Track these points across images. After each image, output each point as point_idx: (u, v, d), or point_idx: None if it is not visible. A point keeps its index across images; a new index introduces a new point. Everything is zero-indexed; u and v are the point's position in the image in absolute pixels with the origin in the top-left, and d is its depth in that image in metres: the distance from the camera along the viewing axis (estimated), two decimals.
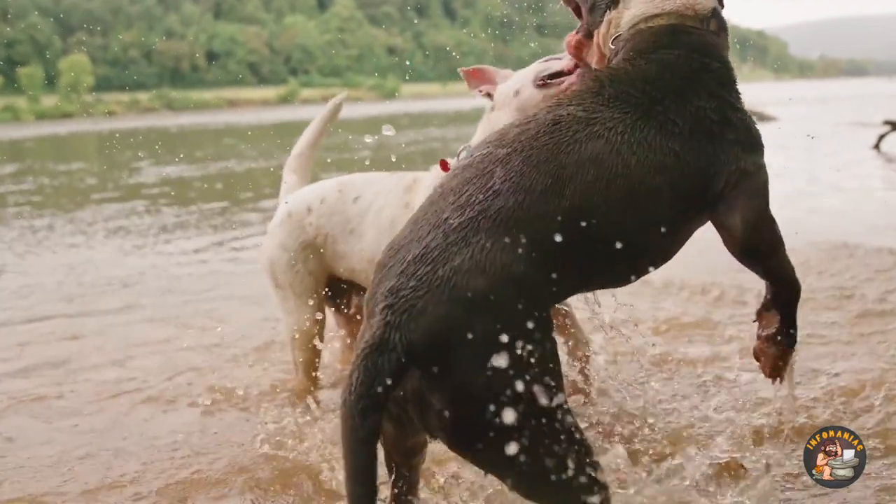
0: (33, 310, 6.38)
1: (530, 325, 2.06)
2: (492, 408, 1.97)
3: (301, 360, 3.97)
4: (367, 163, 17.08)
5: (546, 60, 3.28)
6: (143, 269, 7.80)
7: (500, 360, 1.98)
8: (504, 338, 2.00)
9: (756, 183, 2.48)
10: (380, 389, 1.98)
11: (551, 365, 2.12)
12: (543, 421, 2.04)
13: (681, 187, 2.37)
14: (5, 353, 5.27)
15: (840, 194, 9.98)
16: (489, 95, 3.45)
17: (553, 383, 2.08)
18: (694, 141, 2.39)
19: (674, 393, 3.89)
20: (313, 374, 4.02)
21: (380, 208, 3.61)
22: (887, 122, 14.81)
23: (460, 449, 2.11)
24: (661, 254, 2.49)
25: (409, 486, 2.47)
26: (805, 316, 4.79)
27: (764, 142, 2.57)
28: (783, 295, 2.59)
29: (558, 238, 2.17)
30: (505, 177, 2.23)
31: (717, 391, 3.88)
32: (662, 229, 2.35)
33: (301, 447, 3.46)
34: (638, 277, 2.52)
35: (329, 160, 19.64)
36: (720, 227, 2.49)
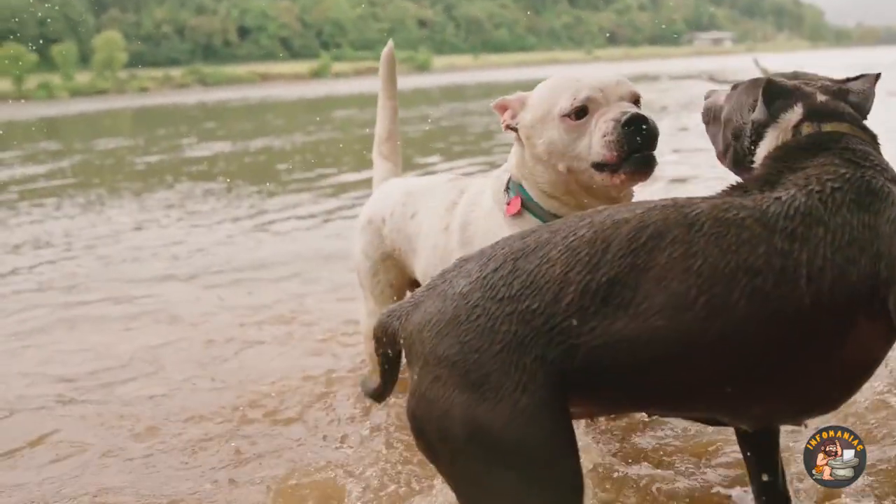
0: (79, 288, 6.49)
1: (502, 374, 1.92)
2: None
3: (374, 360, 3.95)
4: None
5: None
6: (200, 246, 7.93)
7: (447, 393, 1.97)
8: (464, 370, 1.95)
9: None
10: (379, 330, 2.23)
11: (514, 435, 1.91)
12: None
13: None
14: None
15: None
16: (511, 128, 3.04)
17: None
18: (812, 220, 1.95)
19: None
20: None
21: (427, 231, 3.39)
22: None
23: None
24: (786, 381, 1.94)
25: None
26: None
27: None
28: None
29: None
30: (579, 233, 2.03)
31: None
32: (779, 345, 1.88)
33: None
34: (756, 418, 2.11)
35: (366, 131, 19.68)
36: None
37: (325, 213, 9.25)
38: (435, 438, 1.99)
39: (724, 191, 2.13)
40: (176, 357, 4.74)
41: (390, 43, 4.12)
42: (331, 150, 16.95)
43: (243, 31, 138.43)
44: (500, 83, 48.15)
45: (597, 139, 2.75)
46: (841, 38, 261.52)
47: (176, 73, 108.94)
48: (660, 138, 2.75)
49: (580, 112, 2.79)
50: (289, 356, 4.62)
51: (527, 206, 2.96)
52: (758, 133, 2.30)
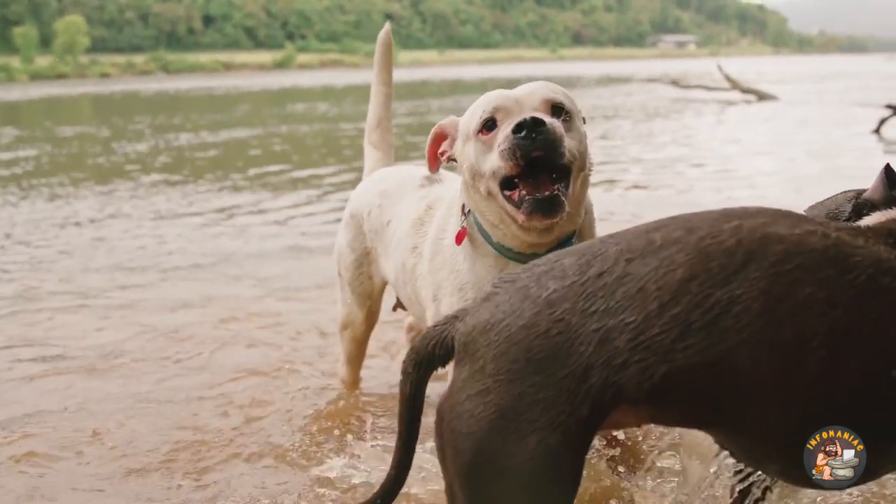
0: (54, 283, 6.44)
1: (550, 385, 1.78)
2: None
3: (348, 351, 3.91)
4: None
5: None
6: (165, 240, 7.86)
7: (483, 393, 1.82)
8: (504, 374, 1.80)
9: None
10: (427, 350, 1.99)
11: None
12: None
13: None
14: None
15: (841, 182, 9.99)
16: (452, 159, 2.87)
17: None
18: None
19: None
20: (359, 367, 4.00)
21: (397, 242, 3.28)
22: (889, 107, 14.55)
23: None
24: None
25: None
26: None
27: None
28: None
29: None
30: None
31: None
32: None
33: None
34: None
35: (325, 126, 19.59)
36: None
37: (290, 208, 9.26)
38: (448, 448, 1.89)
39: (887, 237, 1.90)
40: (144, 354, 4.72)
41: (387, 26, 3.97)
42: (297, 145, 16.92)
43: (208, 20, 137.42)
44: (464, 81, 48.14)
45: (495, 151, 2.58)
46: (803, 44, 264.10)
47: (138, 59, 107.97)
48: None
49: (489, 124, 2.64)
50: (258, 356, 4.63)
51: (483, 235, 2.79)
52: (862, 212, 2.17)
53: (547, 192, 2.50)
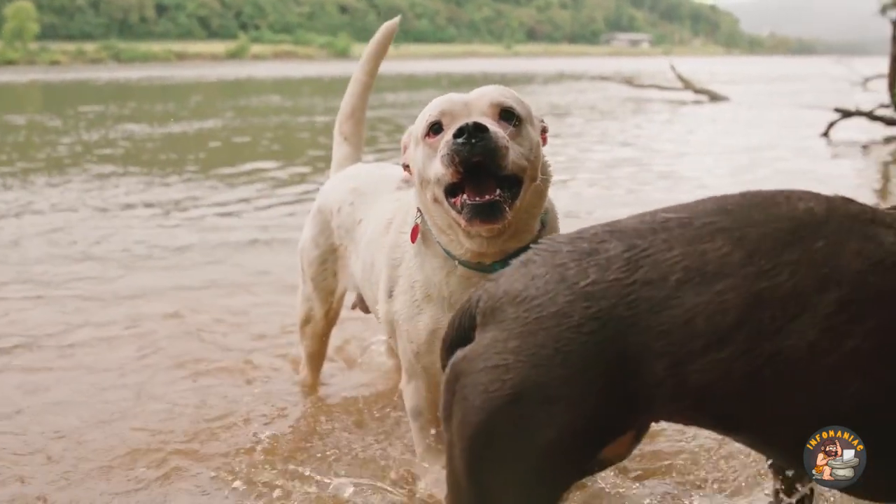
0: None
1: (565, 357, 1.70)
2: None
3: (308, 349, 3.89)
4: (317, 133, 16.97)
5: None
6: (117, 232, 7.77)
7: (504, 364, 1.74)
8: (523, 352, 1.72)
9: None
10: (454, 328, 1.92)
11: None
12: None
13: None
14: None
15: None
16: (407, 167, 2.81)
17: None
18: None
19: None
20: (319, 367, 4.01)
21: (368, 242, 3.20)
22: (838, 110, 14.77)
23: None
24: None
25: None
26: None
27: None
28: None
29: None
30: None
31: None
32: None
33: None
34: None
35: (276, 118, 19.51)
36: None
37: (246, 201, 9.23)
38: (456, 412, 1.82)
39: None
40: (104, 350, 4.70)
41: (397, 18, 3.93)
42: (252, 137, 16.78)
43: (161, 8, 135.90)
44: (418, 75, 48.00)
45: (438, 156, 2.50)
46: (754, 45, 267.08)
47: (89, 47, 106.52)
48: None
49: (436, 128, 2.57)
50: (217, 352, 4.62)
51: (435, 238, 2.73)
52: None
53: (488, 197, 2.41)
